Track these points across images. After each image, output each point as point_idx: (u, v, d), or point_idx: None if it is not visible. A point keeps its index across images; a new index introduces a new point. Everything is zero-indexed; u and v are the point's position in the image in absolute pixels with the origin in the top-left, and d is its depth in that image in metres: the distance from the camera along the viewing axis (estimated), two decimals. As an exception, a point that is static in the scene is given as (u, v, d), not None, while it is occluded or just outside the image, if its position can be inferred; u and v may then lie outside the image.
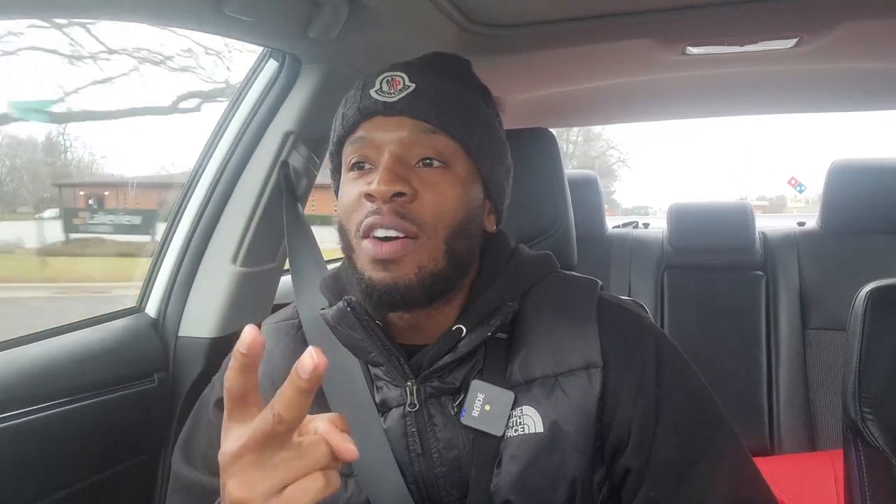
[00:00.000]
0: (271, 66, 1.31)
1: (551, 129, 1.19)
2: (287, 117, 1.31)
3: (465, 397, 0.74)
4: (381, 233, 0.70)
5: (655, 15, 1.29)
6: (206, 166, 1.33)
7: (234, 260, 1.31)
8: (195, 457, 0.80)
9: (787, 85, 1.85)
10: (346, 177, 0.76)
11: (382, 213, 0.70)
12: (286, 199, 1.23)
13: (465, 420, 0.73)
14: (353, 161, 0.75)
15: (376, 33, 1.19)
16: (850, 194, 2.07)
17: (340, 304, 0.78)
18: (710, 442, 0.75)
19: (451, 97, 0.76)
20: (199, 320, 1.30)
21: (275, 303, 1.50)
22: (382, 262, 0.70)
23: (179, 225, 1.33)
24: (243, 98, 1.33)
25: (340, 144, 0.78)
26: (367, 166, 0.74)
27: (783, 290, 2.10)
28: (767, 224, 2.35)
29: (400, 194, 0.70)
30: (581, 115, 2.34)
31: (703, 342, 2.09)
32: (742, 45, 1.42)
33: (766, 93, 1.95)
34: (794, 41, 1.39)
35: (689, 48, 1.44)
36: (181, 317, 1.30)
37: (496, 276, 0.79)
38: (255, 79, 1.32)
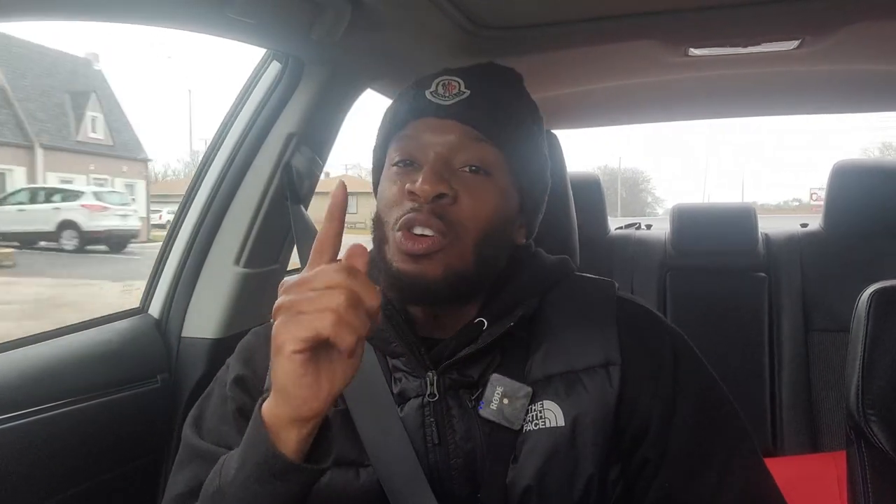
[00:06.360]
0: (274, 67, 1.31)
1: (554, 131, 1.19)
2: (290, 119, 1.31)
3: (483, 391, 0.74)
4: (418, 230, 0.72)
5: (658, 17, 1.28)
6: (209, 168, 1.34)
7: (238, 261, 1.31)
8: (205, 431, 0.80)
9: (789, 86, 1.85)
10: (389, 171, 0.78)
11: (422, 212, 0.72)
12: (291, 202, 1.24)
13: (483, 412, 0.73)
14: (398, 158, 0.77)
15: (379, 35, 1.19)
16: (853, 196, 2.07)
17: None
18: (724, 437, 0.77)
19: (502, 109, 0.78)
20: (203, 321, 1.30)
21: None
22: (414, 257, 0.72)
23: (183, 226, 1.33)
24: (246, 100, 1.33)
25: (387, 140, 0.80)
26: (412, 164, 0.76)
27: (786, 292, 2.09)
28: None
29: (441, 196, 0.72)
30: (583, 117, 2.33)
31: (705, 344, 2.05)
32: (745, 47, 1.42)
33: (768, 94, 1.95)
34: (796, 43, 1.39)
35: (692, 49, 1.43)
36: (184, 318, 1.31)
37: (517, 277, 0.81)
38: (259, 81, 1.32)
